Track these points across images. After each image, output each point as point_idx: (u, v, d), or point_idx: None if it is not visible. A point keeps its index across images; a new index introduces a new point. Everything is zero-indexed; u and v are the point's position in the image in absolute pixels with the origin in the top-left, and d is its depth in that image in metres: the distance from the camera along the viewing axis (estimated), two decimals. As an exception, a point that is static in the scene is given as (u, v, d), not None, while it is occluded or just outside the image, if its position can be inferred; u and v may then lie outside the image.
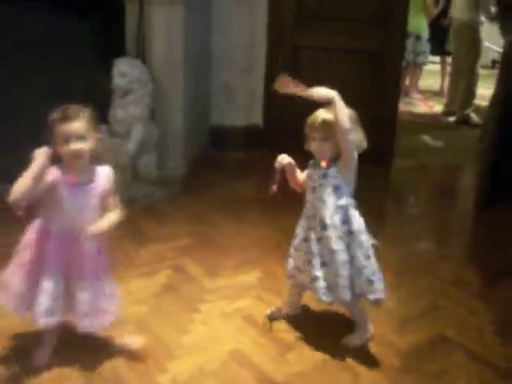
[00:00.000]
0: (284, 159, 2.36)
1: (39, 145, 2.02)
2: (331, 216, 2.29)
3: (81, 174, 2.12)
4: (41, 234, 2.16)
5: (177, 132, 4.03)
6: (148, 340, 2.40)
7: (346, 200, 2.32)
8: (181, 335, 2.47)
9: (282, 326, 2.55)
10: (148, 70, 3.73)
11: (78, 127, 2.05)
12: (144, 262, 3.05)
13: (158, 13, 3.79)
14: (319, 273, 2.32)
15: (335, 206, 2.29)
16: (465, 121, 6.16)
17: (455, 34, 6.34)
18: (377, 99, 4.60)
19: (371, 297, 2.35)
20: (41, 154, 1.99)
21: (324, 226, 2.30)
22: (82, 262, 2.16)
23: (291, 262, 2.48)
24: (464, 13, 5.99)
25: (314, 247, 2.33)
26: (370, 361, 2.37)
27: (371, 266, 2.34)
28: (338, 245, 2.29)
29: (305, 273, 2.41)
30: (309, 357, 2.38)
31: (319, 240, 2.32)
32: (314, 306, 2.66)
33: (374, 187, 4.29)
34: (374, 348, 2.45)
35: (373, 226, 3.57)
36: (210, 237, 3.35)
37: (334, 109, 2.19)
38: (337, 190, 2.30)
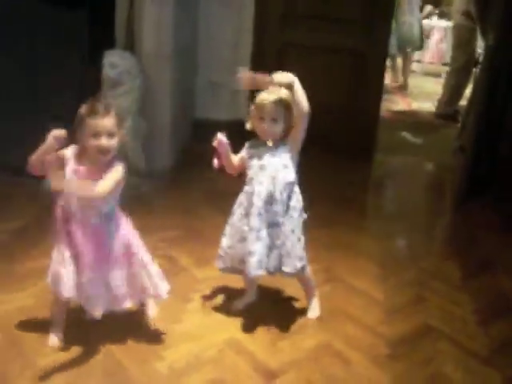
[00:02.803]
0: (223, 138, 2.41)
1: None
2: (281, 192, 2.40)
3: (101, 166, 2.15)
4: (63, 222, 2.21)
5: (164, 125, 4.06)
6: (142, 328, 2.46)
7: (293, 177, 2.43)
8: (175, 324, 2.51)
9: (272, 315, 2.62)
10: (137, 62, 3.75)
11: (108, 124, 2.10)
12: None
13: (149, 6, 3.81)
14: (254, 247, 2.39)
15: (285, 183, 2.40)
16: (451, 116, 6.28)
17: (452, 35, 6.51)
18: (360, 97, 4.67)
19: (286, 269, 2.46)
20: (53, 137, 2.07)
21: (271, 201, 2.39)
22: (88, 240, 2.20)
23: (225, 241, 2.54)
24: (457, 14, 6.12)
25: (254, 222, 2.39)
26: (360, 349, 2.44)
27: (295, 240, 2.45)
28: (281, 218, 2.41)
29: (236, 250, 2.49)
30: (300, 345, 2.44)
31: (260, 215, 2.40)
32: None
33: (356, 183, 4.40)
34: (363, 337, 2.53)
35: (355, 220, 3.72)
36: (197, 228, 3.39)
37: (293, 92, 2.30)
38: (285, 167, 2.41)
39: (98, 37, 3.74)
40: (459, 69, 6.20)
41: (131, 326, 2.47)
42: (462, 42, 6.14)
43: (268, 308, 2.67)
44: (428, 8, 9.75)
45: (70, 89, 3.57)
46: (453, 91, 6.33)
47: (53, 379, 2.15)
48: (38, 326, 2.41)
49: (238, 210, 2.49)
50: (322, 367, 2.32)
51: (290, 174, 2.42)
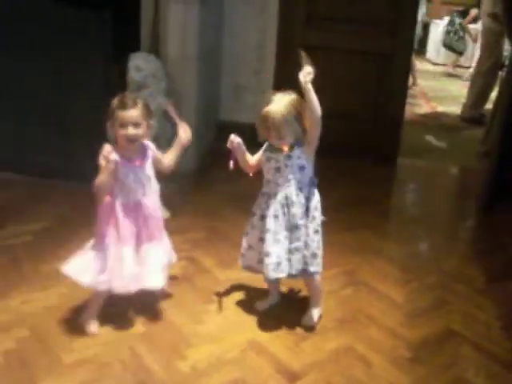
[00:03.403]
0: (235, 138, 2.45)
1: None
2: (298, 194, 2.42)
3: (133, 153, 2.38)
4: (110, 211, 2.36)
5: (189, 127, 4.08)
6: (165, 328, 2.50)
7: (309, 178, 2.45)
8: (197, 325, 2.55)
9: (295, 317, 2.62)
10: (163, 65, 3.78)
11: (134, 114, 2.31)
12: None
13: (174, 9, 3.84)
14: (272, 249, 2.42)
15: (301, 185, 2.43)
16: (476, 120, 6.24)
17: (480, 37, 6.50)
18: (384, 100, 4.66)
19: (311, 269, 2.47)
20: (107, 153, 2.25)
21: (289, 204, 2.42)
22: (149, 226, 2.43)
23: (245, 241, 2.60)
24: (485, 16, 6.09)
25: (270, 224, 2.43)
26: (381, 352, 2.45)
27: (318, 240, 2.48)
28: (302, 220, 2.43)
29: (255, 251, 2.54)
30: (322, 347, 2.46)
31: (276, 217, 2.43)
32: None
33: (379, 186, 4.39)
34: (385, 340, 2.53)
35: (379, 224, 3.72)
36: (221, 230, 3.42)
37: (308, 96, 2.31)
38: (301, 169, 2.43)
39: (122, 39, 3.78)
40: (485, 72, 6.15)
41: (155, 326, 2.51)
42: (489, 44, 6.10)
43: (290, 309, 2.69)
44: (473, 12, 9.17)
45: (94, 91, 3.61)
46: (478, 94, 6.29)
47: (77, 376, 2.19)
48: (64, 324, 2.47)
49: (257, 211, 2.53)
50: (343, 369, 2.33)
51: (306, 176, 2.44)
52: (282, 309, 2.69)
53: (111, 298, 2.46)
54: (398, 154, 4.83)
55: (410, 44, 4.72)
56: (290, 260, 2.44)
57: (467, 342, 2.56)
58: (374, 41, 4.57)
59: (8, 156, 3.86)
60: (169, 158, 2.53)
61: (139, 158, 2.40)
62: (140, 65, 3.63)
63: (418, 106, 7.26)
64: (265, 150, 2.49)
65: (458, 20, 8.99)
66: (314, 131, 2.39)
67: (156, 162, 2.48)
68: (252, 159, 2.53)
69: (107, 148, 2.28)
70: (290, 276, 2.49)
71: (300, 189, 2.43)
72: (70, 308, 2.57)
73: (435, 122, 6.61)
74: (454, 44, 9.10)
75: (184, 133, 2.58)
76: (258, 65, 4.77)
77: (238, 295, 2.79)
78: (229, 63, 4.76)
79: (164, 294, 2.71)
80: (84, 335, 2.41)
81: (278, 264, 2.42)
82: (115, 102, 2.33)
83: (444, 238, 3.72)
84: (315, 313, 2.61)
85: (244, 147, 2.49)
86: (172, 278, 2.72)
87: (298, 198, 2.42)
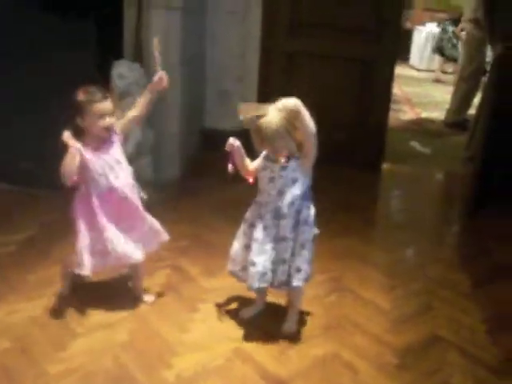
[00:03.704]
0: (235, 141, 2.42)
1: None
2: (289, 206, 2.39)
3: (102, 141, 2.48)
4: (85, 202, 2.46)
5: (172, 135, 4.08)
6: (150, 337, 2.47)
7: (302, 192, 2.42)
8: (182, 333, 2.52)
9: (280, 325, 2.61)
10: (146, 73, 3.76)
11: (110, 105, 2.45)
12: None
13: (156, 16, 3.83)
14: (257, 259, 2.40)
15: (293, 197, 2.39)
16: (460, 125, 6.27)
17: (462, 43, 6.60)
18: (368, 106, 4.67)
19: (294, 283, 2.46)
20: (76, 148, 2.33)
21: (279, 216, 2.40)
22: (127, 209, 2.53)
23: (234, 245, 2.57)
24: (467, 22, 6.15)
25: (258, 234, 2.42)
26: (367, 358, 2.43)
27: (305, 254, 2.45)
28: (291, 234, 2.41)
29: (241, 256, 2.52)
30: (308, 354, 2.44)
31: (265, 228, 2.41)
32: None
33: (364, 192, 4.40)
34: (370, 346, 2.52)
35: (364, 230, 3.72)
36: (206, 239, 3.40)
37: (299, 116, 2.29)
38: (295, 182, 2.40)
39: (106, 46, 3.77)
40: (468, 77, 6.20)
41: (140, 334, 2.49)
42: (471, 50, 6.15)
43: (275, 317, 2.66)
44: None
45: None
46: (461, 100, 6.33)
47: (61, 387, 2.16)
48: (49, 334, 2.44)
49: (249, 218, 2.51)
50: (330, 376, 2.32)
51: (299, 189, 2.41)
52: (267, 317, 2.67)
53: (96, 305, 2.44)
54: (382, 159, 4.84)
55: (394, 50, 4.73)
56: (275, 271, 2.43)
57: (453, 348, 2.55)
58: (357, 47, 4.58)
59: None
60: (137, 109, 2.63)
61: (107, 145, 2.49)
62: (123, 72, 3.61)
63: (402, 112, 7.30)
64: (263, 158, 2.47)
65: (450, 28, 9.08)
66: (309, 145, 2.36)
67: (126, 127, 2.61)
68: (251, 165, 2.49)
69: (66, 134, 2.33)
70: (273, 287, 2.50)
71: (292, 202, 2.40)
72: (55, 319, 2.55)
73: (419, 128, 6.64)
74: (447, 51, 9.19)
75: (159, 78, 2.62)
76: (242, 72, 4.76)
77: (223, 303, 2.77)
78: (212, 70, 4.75)
79: (149, 302, 2.71)
80: (69, 346, 2.38)
81: (263, 274, 2.41)
82: (86, 95, 2.40)
83: (429, 243, 3.73)
84: (295, 318, 2.59)
85: (243, 151, 2.44)
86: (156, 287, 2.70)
87: (289, 211, 2.39)
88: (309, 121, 2.31)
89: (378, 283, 3.06)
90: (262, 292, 2.65)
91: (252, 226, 2.47)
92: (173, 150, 4.12)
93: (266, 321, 2.64)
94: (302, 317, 2.67)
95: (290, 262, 2.44)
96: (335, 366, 2.38)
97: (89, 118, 2.41)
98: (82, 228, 2.46)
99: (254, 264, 2.40)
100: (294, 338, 2.53)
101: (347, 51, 4.59)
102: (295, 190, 2.40)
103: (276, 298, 2.76)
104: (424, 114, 7.29)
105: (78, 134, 2.40)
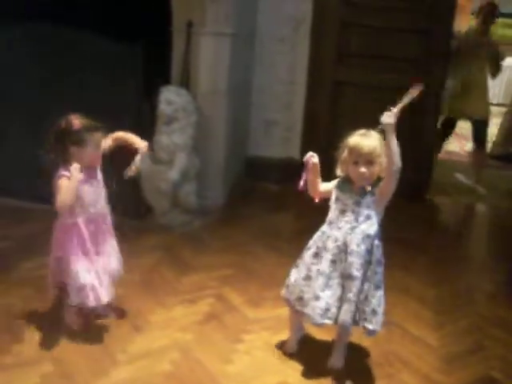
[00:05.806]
0: (314, 158, 2.35)
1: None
2: (358, 244, 2.29)
3: (91, 171, 2.52)
4: (68, 230, 2.48)
5: (218, 162, 4.07)
6: (193, 368, 2.42)
7: (374, 230, 2.31)
8: (226, 364, 2.47)
9: (324, 358, 2.53)
10: (193, 99, 3.78)
11: (101, 136, 2.49)
12: (185, 289, 3.05)
13: (205, 43, 3.86)
14: (322, 293, 2.31)
15: (364, 235, 2.30)
16: (506, 158, 6.15)
17: None
18: (416, 137, 4.60)
19: (370, 326, 2.34)
20: (77, 173, 2.37)
21: (348, 252, 2.29)
22: (105, 235, 2.59)
23: (293, 273, 2.46)
24: None
25: (325, 267, 2.32)
26: (417, 398, 2.35)
27: (380, 296, 2.35)
28: (358, 272, 2.29)
29: (298, 286, 2.39)
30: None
31: (333, 262, 2.32)
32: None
33: (412, 225, 4.30)
34: (420, 386, 2.43)
35: (411, 263, 3.62)
36: (250, 268, 3.35)
37: (388, 140, 2.21)
38: (368, 219, 2.30)
39: (154, 72, 3.79)
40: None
41: (182, 365, 2.44)
42: None
43: (321, 350, 2.58)
44: None
45: (126, 123, 3.60)
46: (507, 132, 6.21)
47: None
48: (91, 360, 2.40)
49: (313, 247, 2.40)
50: (379, 416, 2.24)
51: (372, 227, 2.31)
52: (313, 350, 2.60)
53: (137, 336, 2.40)
54: (428, 191, 4.75)
55: (441, 80, 4.67)
56: (339, 308, 2.33)
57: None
58: (405, 78, 4.52)
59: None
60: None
61: (94, 170, 2.54)
62: (171, 98, 3.62)
63: (448, 144, 7.18)
64: (336, 187, 2.38)
65: None
66: (389, 182, 2.26)
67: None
68: (322, 186, 2.42)
69: (77, 167, 2.38)
70: (336, 324, 2.39)
71: (362, 240, 2.30)
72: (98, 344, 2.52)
73: (465, 160, 6.52)
74: None
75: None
76: (288, 100, 4.75)
77: (267, 334, 2.71)
78: (259, 98, 4.75)
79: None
80: (110, 375, 2.34)
81: (327, 310, 2.32)
82: (83, 125, 2.41)
83: (479, 278, 3.61)
84: (342, 354, 2.49)
85: (319, 168, 2.37)
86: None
87: (357, 248, 2.29)
88: (396, 153, 2.21)
89: (426, 319, 2.97)
90: (299, 320, 2.56)
91: (316, 256, 2.37)
92: (217, 177, 4.11)
93: (312, 354, 2.57)
94: (349, 351, 2.59)
95: (365, 305, 2.33)
96: (384, 405, 2.30)
97: (85, 148, 2.42)
98: (79, 264, 2.48)
99: (318, 298, 2.31)
100: (341, 373, 2.46)
101: (394, 81, 4.53)
102: (367, 229, 2.29)
103: (321, 331, 2.69)
104: (469, 146, 7.16)
105: (65, 161, 2.42)
